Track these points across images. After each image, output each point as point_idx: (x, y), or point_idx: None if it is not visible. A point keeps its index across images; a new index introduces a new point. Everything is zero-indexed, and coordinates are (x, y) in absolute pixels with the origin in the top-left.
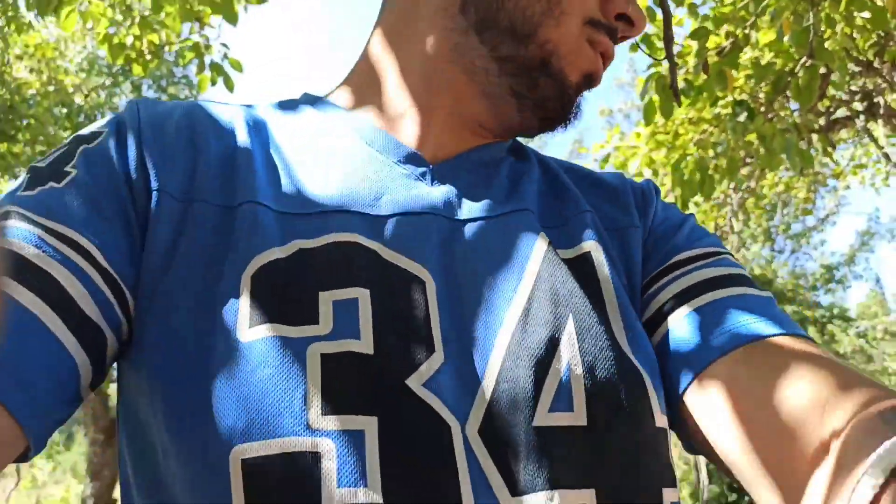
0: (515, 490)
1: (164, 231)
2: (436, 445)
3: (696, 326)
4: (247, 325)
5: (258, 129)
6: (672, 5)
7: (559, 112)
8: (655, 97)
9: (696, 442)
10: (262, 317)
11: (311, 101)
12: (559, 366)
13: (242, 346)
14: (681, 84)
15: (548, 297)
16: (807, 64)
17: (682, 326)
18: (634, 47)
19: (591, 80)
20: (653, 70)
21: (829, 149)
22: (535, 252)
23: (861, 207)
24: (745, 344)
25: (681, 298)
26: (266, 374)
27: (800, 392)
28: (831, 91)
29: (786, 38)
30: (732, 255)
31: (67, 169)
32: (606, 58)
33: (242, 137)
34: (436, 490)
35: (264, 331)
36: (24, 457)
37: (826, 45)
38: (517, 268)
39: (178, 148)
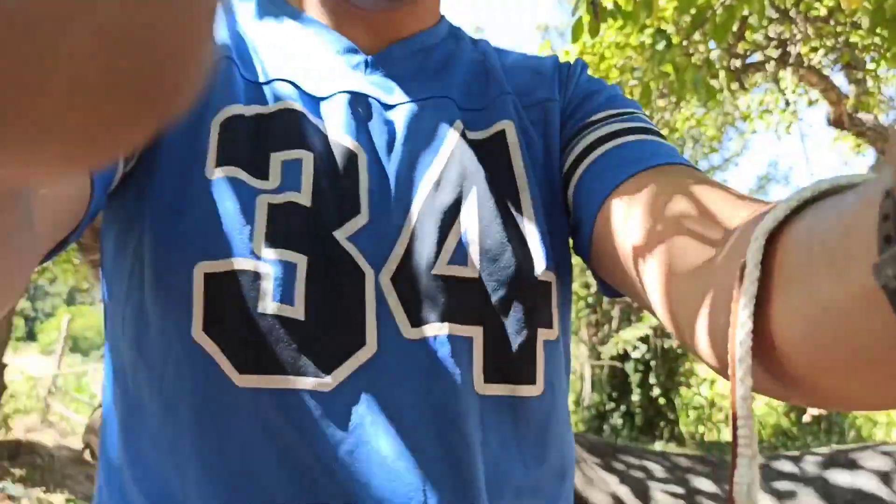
0: (414, 322)
1: None
2: (352, 285)
3: (597, 171)
4: (213, 164)
5: (242, 12)
6: None
7: None
8: (585, 16)
9: (610, 279)
10: (225, 159)
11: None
12: (459, 228)
13: (208, 183)
14: (609, 5)
15: (456, 172)
16: (726, 2)
17: (587, 174)
18: None
19: None
20: None
21: (738, 89)
22: (450, 135)
23: (764, 153)
24: (633, 174)
25: (588, 149)
26: (224, 208)
27: (681, 205)
28: (751, 36)
29: None
30: (647, 116)
31: None
32: None
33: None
34: (347, 317)
35: (226, 171)
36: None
37: None
38: (433, 148)
39: None
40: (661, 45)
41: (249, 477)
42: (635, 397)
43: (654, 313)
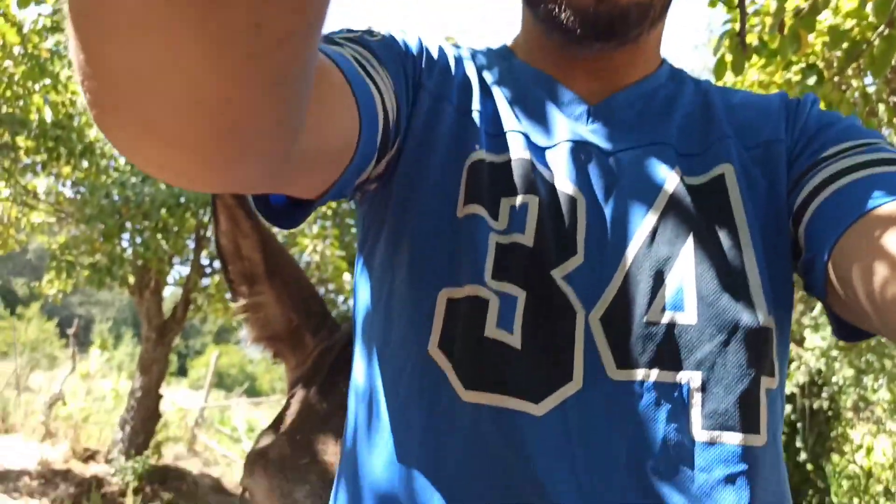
0: (621, 364)
1: (422, 107)
2: (564, 322)
3: (836, 204)
4: (462, 204)
5: (478, 63)
6: None
7: (578, 22)
8: (728, 54)
9: (848, 313)
10: (468, 200)
11: (507, 52)
12: (676, 275)
13: (457, 220)
14: (755, 42)
15: (673, 219)
16: (884, 33)
17: (823, 208)
18: (714, 2)
19: None
20: (728, 27)
21: None
22: (668, 182)
23: None
24: (868, 212)
25: (822, 185)
26: (468, 243)
27: None
28: None
29: (868, 6)
30: (889, 144)
31: (376, 32)
32: None
33: (470, 68)
34: (557, 351)
35: (471, 210)
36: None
37: None
38: (650, 195)
39: (438, 61)
40: (811, 81)
41: (463, 489)
42: None
43: None
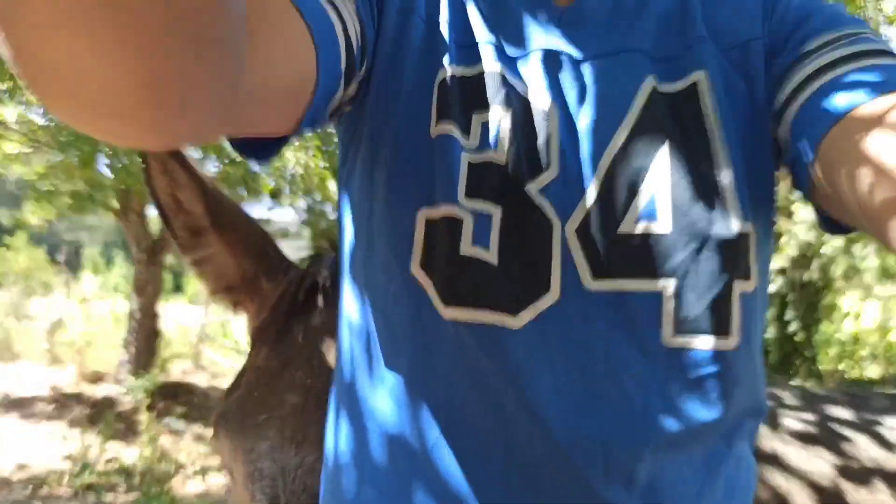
0: (596, 274)
1: (390, 22)
2: (540, 234)
3: (813, 107)
4: (434, 122)
5: None
6: None
7: None
8: None
9: (834, 208)
10: (440, 117)
11: None
12: (650, 185)
13: (430, 139)
14: None
15: (647, 129)
16: None
17: (802, 111)
18: None
19: None
20: None
21: None
22: (641, 91)
23: None
24: (852, 109)
25: (802, 85)
26: (441, 162)
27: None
28: None
29: None
30: (873, 32)
31: None
32: None
33: None
34: (534, 264)
35: (441, 129)
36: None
37: None
38: (623, 105)
39: None
40: None
41: (450, 410)
42: (770, 333)
43: (888, 244)
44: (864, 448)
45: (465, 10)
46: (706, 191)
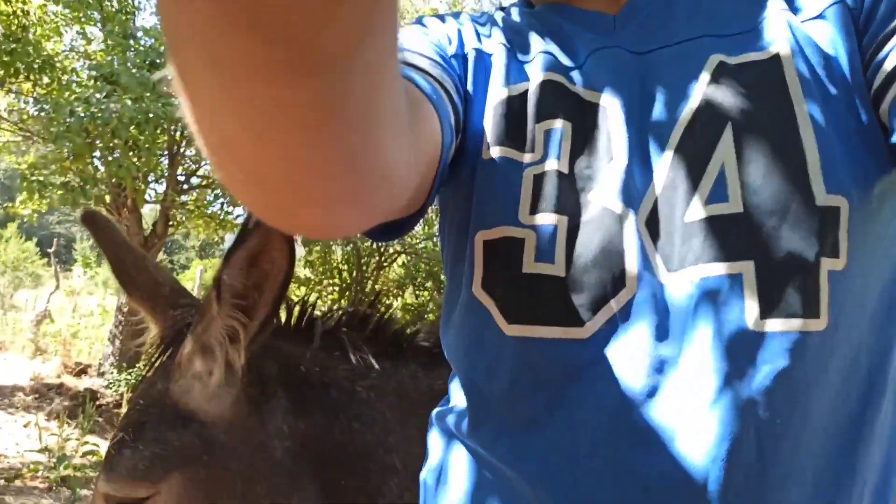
0: (669, 266)
1: (465, 71)
2: (611, 233)
3: None
4: (487, 147)
5: (496, 14)
6: None
7: None
8: None
9: None
10: (495, 140)
11: (521, 2)
12: (717, 166)
13: (484, 162)
14: None
15: (710, 111)
16: None
17: None
18: None
19: None
20: None
21: None
22: (702, 77)
23: None
24: None
25: None
26: (497, 184)
27: None
28: None
29: None
30: None
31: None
32: None
33: (491, 19)
34: (606, 263)
35: (497, 151)
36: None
37: None
38: (685, 92)
39: (460, 27)
40: None
41: (514, 419)
42: None
43: None
44: None
45: (521, 36)
46: (783, 164)
